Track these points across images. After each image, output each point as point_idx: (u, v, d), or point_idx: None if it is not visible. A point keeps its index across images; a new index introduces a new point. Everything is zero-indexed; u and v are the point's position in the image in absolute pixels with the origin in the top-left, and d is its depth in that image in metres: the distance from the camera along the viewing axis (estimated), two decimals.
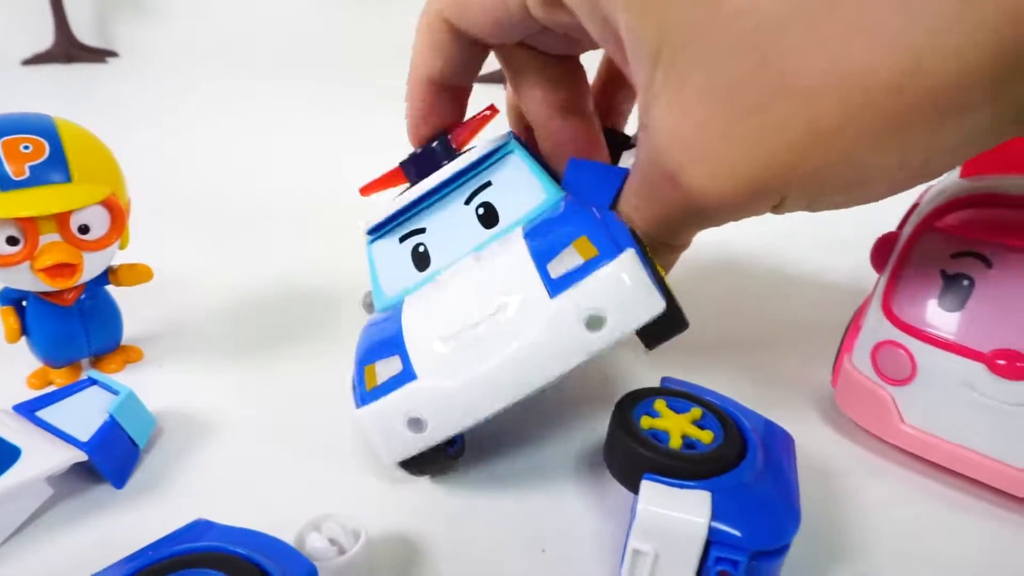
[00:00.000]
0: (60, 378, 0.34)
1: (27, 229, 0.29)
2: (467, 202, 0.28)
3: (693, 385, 0.27)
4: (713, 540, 0.21)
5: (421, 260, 0.29)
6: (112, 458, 0.27)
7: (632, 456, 0.23)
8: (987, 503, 0.27)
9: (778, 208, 0.24)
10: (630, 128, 0.34)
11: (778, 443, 0.25)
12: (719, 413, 0.25)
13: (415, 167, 0.30)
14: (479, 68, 0.31)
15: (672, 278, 0.28)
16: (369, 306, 0.32)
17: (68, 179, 0.30)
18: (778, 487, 0.23)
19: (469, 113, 0.32)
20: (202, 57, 1.26)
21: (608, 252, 0.23)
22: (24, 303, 0.33)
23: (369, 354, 0.26)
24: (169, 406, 0.32)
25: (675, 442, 0.23)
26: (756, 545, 0.21)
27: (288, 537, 0.22)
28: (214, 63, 1.22)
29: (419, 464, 0.26)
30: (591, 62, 0.33)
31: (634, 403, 0.25)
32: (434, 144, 0.30)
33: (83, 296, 0.33)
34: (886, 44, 0.19)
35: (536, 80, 0.31)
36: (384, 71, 0.65)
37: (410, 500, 0.27)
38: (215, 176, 0.66)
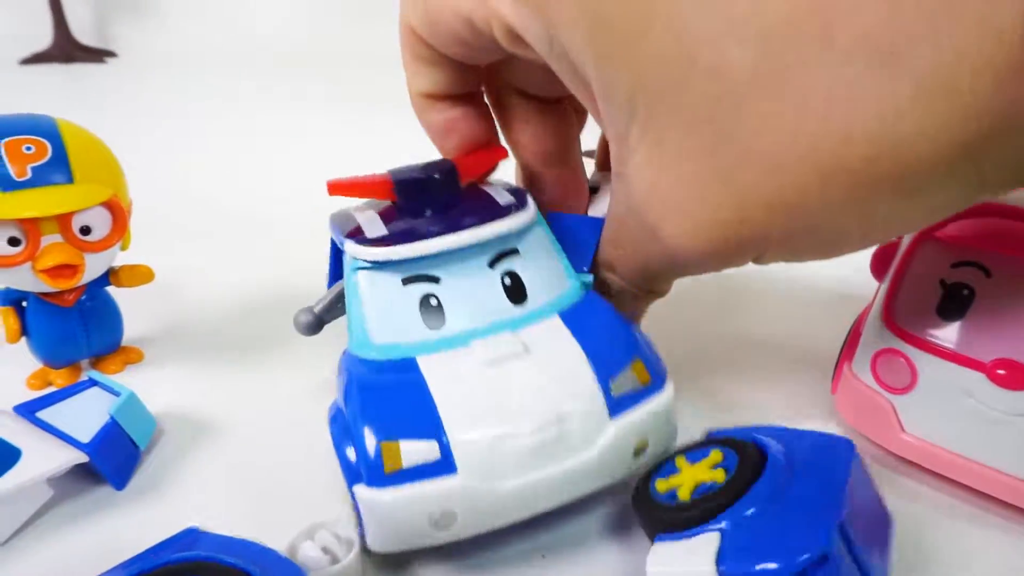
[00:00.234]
0: (60, 379, 0.33)
1: (29, 230, 0.29)
2: (491, 265, 0.26)
3: (742, 428, 0.25)
4: None
5: (432, 316, 0.25)
6: (113, 459, 0.27)
7: (646, 525, 0.23)
8: (987, 512, 0.27)
9: (758, 261, 0.24)
10: None
11: (823, 454, 0.23)
12: (738, 445, 0.23)
13: (406, 189, 0.27)
14: (476, 76, 0.30)
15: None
16: (306, 326, 0.30)
17: (70, 180, 0.30)
18: (803, 503, 0.21)
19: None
20: (201, 57, 1.26)
21: (657, 382, 0.25)
22: (24, 304, 0.33)
23: (393, 427, 0.22)
24: (170, 407, 0.32)
25: (684, 494, 0.22)
26: (770, 572, 0.19)
27: (282, 543, 0.22)
28: (213, 64, 1.22)
29: None
30: None
31: (656, 470, 0.24)
32: (436, 175, 0.27)
33: (84, 297, 0.33)
34: (860, 112, 0.19)
35: (523, 127, 0.31)
36: (384, 72, 0.65)
37: None
38: (215, 177, 0.66)
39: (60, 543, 0.25)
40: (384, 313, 0.25)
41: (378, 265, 0.26)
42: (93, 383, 0.30)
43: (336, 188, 0.27)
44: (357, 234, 0.26)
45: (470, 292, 0.26)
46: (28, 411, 0.28)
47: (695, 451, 0.24)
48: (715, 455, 0.23)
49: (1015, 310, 0.26)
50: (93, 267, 0.31)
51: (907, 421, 0.28)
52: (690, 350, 0.37)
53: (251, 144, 0.78)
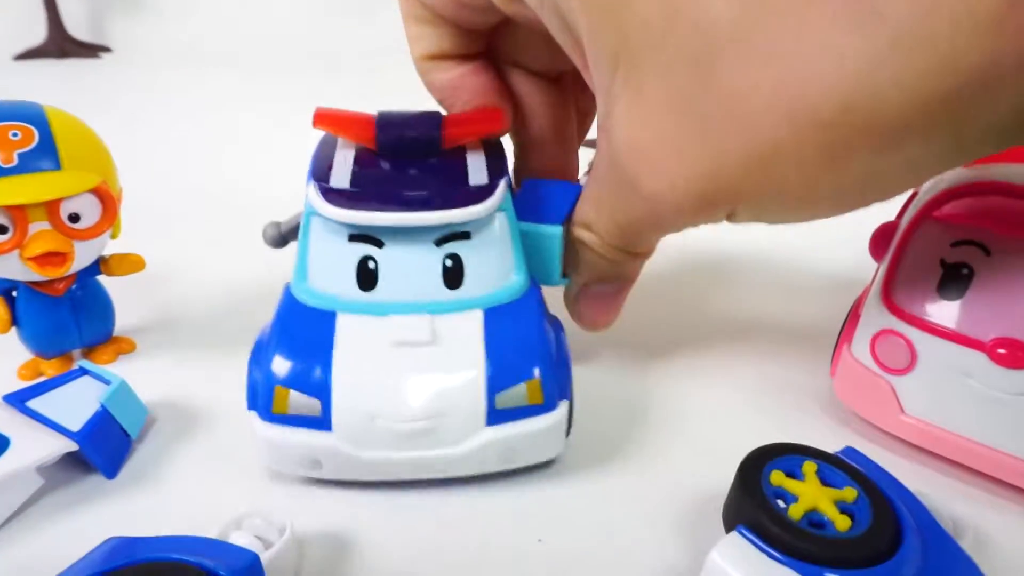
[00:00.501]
0: (51, 369, 0.33)
1: (16, 217, 0.29)
2: (437, 243, 0.27)
3: (876, 466, 0.23)
4: None
5: (367, 279, 0.26)
6: (103, 448, 0.27)
7: (735, 504, 0.21)
8: (989, 493, 0.27)
9: (731, 219, 0.24)
10: None
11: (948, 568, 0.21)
12: (881, 505, 0.21)
13: (388, 136, 0.27)
14: (478, 39, 0.30)
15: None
16: (272, 239, 0.31)
17: (58, 167, 0.29)
18: None
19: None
20: (195, 52, 1.25)
21: (550, 403, 0.25)
22: (14, 293, 0.32)
23: (290, 376, 0.25)
24: (162, 397, 0.31)
25: (795, 512, 0.20)
26: None
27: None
28: (207, 58, 1.21)
29: None
30: None
31: (777, 455, 0.22)
32: (418, 134, 0.27)
33: (74, 286, 0.33)
34: (836, 65, 0.19)
35: (520, 102, 0.31)
36: (382, 67, 0.65)
37: (404, 499, 0.27)
38: (208, 169, 0.66)
39: (50, 532, 0.25)
40: (324, 262, 0.27)
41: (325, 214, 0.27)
42: (84, 372, 0.30)
43: (321, 119, 0.28)
44: (325, 177, 0.27)
45: (408, 265, 0.26)
46: (18, 400, 0.28)
47: (830, 468, 0.22)
48: (849, 493, 0.21)
49: (1015, 289, 0.25)
50: (83, 255, 0.31)
51: (907, 402, 0.27)
52: (688, 332, 0.37)
53: (244, 137, 0.78)
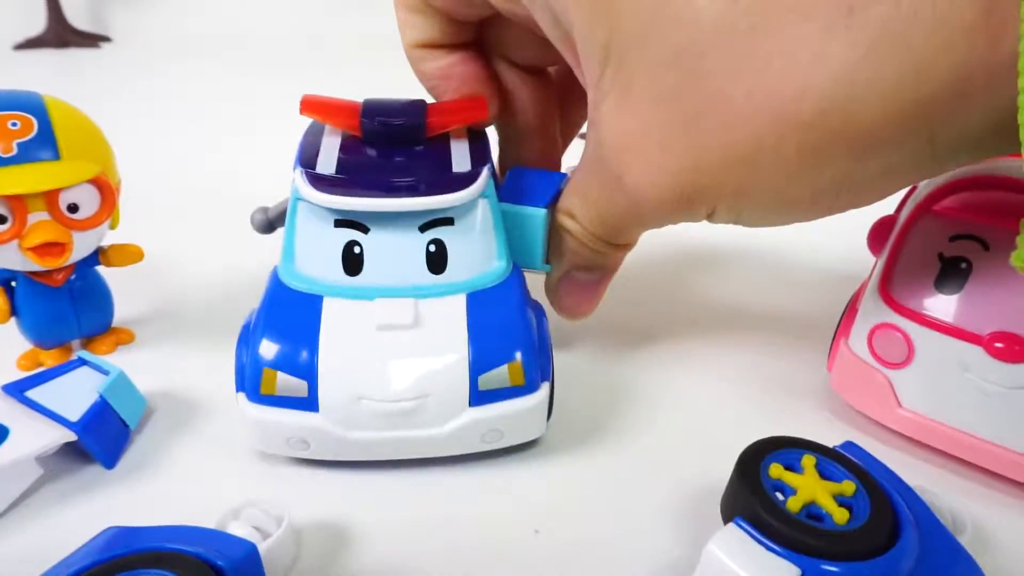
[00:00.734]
0: (50, 359, 0.33)
1: (15, 207, 0.29)
2: (421, 229, 0.27)
3: (875, 460, 0.24)
4: None
5: (352, 263, 0.27)
6: (102, 438, 0.27)
7: (734, 496, 0.21)
8: (987, 487, 0.27)
9: (711, 218, 0.25)
10: None
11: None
12: (879, 499, 0.21)
13: (373, 123, 0.28)
14: (468, 30, 0.30)
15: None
16: (260, 224, 0.31)
17: (57, 156, 0.29)
18: None
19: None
20: (196, 42, 1.25)
21: (531, 385, 0.26)
22: (13, 283, 0.32)
23: (277, 358, 0.25)
24: (160, 388, 0.31)
25: (794, 504, 0.20)
26: None
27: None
28: (208, 49, 1.21)
29: None
30: None
31: (776, 448, 0.22)
32: (402, 122, 0.28)
33: (73, 277, 0.33)
34: (816, 66, 0.19)
35: (506, 95, 0.31)
36: (381, 62, 0.65)
37: (398, 486, 0.27)
38: (207, 159, 0.65)
39: (49, 522, 0.25)
40: (311, 247, 0.27)
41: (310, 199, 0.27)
42: (83, 362, 0.30)
43: (308, 106, 0.28)
44: (311, 163, 0.28)
45: (392, 250, 0.27)
46: (16, 390, 0.28)
47: (830, 462, 0.22)
48: (847, 487, 0.21)
49: (1013, 283, 0.25)
50: (81, 245, 0.31)
51: (904, 396, 0.27)
52: (685, 324, 0.37)
53: (244, 127, 0.77)
